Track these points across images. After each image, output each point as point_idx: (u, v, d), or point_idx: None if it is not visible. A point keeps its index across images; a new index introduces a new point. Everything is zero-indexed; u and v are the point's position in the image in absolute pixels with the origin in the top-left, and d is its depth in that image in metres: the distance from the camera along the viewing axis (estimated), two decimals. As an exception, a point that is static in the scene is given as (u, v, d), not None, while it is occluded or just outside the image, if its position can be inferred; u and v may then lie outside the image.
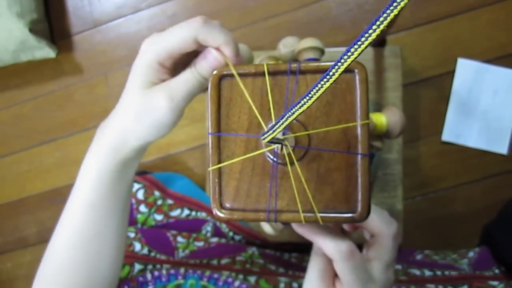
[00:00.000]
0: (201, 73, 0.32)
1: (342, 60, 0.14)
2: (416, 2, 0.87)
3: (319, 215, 0.31)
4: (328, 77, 0.15)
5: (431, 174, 0.87)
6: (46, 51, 0.95)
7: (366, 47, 0.14)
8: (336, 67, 0.15)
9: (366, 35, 0.13)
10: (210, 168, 0.32)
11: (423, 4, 0.87)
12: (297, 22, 0.91)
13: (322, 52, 0.48)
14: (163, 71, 0.32)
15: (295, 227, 0.32)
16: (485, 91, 0.84)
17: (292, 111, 0.18)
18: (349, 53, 0.14)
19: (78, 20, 1.00)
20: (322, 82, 0.16)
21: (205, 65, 0.32)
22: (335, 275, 0.33)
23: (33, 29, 0.92)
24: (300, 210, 0.32)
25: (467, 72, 0.85)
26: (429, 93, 0.87)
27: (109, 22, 0.99)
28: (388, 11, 0.13)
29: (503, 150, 0.84)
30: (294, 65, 0.32)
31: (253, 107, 0.32)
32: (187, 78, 0.32)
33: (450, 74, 0.86)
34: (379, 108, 0.76)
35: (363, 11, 0.89)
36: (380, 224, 0.33)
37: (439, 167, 0.87)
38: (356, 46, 0.14)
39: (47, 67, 1.00)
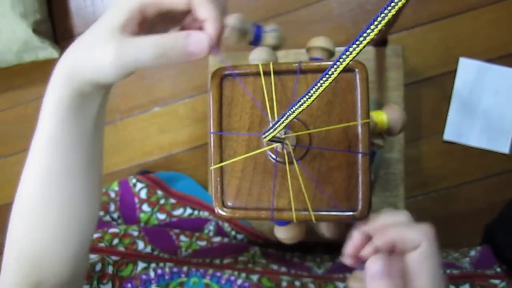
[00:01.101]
0: (171, 52, 0.29)
1: (341, 60, 0.15)
2: (418, 1, 0.87)
3: (312, 213, 0.31)
4: (327, 76, 0.15)
5: (432, 173, 0.88)
6: (49, 52, 0.95)
7: (363, 47, 0.14)
8: (335, 66, 0.15)
9: (364, 35, 0.13)
10: (212, 167, 0.33)
11: (424, 4, 0.87)
12: (299, 22, 0.91)
13: (331, 54, 0.48)
14: (141, 24, 0.30)
15: (374, 244, 0.30)
16: (487, 90, 0.84)
17: (292, 110, 0.18)
18: (347, 53, 0.14)
19: (81, 21, 1.01)
20: (321, 81, 0.16)
21: (182, 46, 0.29)
22: None
23: (37, 30, 0.92)
24: (310, 208, 0.32)
25: (469, 72, 0.85)
26: (430, 93, 0.87)
27: (112, 23, 0.99)
28: (386, 11, 0.13)
29: (505, 149, 0.84)
30: (295, 65, 0.33)
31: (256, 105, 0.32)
32: (145, 48, 0.29)
33: (452, 73, 0.86)
34: (380, 107, 0.76)
35: (365, 10, 0.89)
36: (412, 235, 0.29)
37: (441, 167, 0.87)
38: (354, 46, 0.14)
39: (50, 67, 0.99)
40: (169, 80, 0.97)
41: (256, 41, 0.40)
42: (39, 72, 1.01)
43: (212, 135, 0.32)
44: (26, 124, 1.03)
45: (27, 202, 0.37)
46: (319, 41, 0.47)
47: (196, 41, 0.28)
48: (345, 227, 0.49)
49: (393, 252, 0.30)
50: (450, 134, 0.86)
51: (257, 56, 0.45)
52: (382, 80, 0.77)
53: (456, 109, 0.85)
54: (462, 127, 0.85)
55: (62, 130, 0.34)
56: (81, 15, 1.01)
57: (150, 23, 0.31)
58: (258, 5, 0.93)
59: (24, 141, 1.02)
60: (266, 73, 0.33)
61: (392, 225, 0.30)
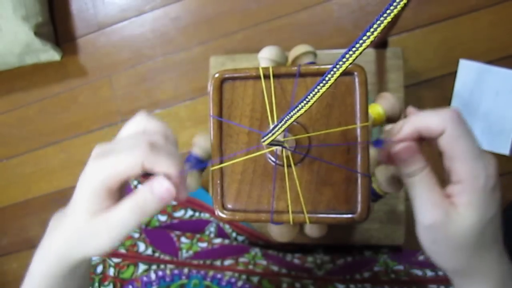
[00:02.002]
0: (146, 207, 0.30)
1: (338, 66, 0.15)
2: (418, 3, 0.87)
3: (312, 216, 0.32)
4: (324, 82, 0.16)
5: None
6: (51, 54, 0.96)
7: (360, 53, 0.14)
8: (332, 72, 0.15)
9: (361, 41, 0.14)
10: (212, 168, 0.33)
11: (424, 6, 0.87)
12: (300, 24, 0.92)
13: (315, 55, 0.48)
14: (109, 196, 0.31)
15: (399, 135, 0.31)
16: (487, 92, 0.85)
17: (290, 115, 0.19)
18: (344, 59, 0.14)
19: (82, 23, 1.01)
20: (318, 87, 0.16)
21: (152, 198, 0.30)
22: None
23: (38, 32, 0.93)
24: (305, 211, 0.32)
25: (469, 73, 0.85)
26: (431, 94, 0.87)
27: (113, 25, 1.00)
28: (382, 18, 0.13)
29: (505, 151, 0.84)
30: (294, 68, 0.33)
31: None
32: (126, 218, 0.30)
33: (452, 75, 0.86)
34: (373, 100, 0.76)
35: (365, 13, 0.89)
36: (435, 120, 0.29)
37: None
38: (351, 52, 0.14)
39: (52, 69, 1.01)
40: (170, 82, 0.97)
41: None
42: (41, 74, 1.02)
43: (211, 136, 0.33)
44: (27, 126, 1.03)
45: None
46: (302, 48, 0.47)
47: (161, 188, 0.30)
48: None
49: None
50: (450, 135, 0.86)
51: (267, 55, 0.46)
52: (383, 82, 0.77)
53: (457, 110, 0.85)
54: (462, 129, 0.85)
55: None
56: (83, 17, 1.01)
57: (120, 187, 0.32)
58: (259, 8, 0.93)
59: (25, 143, 1.03)
60: (266, 77, 0.33)
61: (415, 115, 0.31)
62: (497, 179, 0.30)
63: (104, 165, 0.30)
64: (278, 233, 0.47)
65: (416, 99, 0.87)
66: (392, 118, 0.47)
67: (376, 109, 0.46)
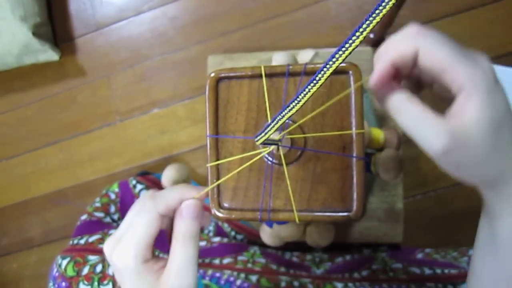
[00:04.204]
0: (191, 231, 0.31)
1: (328, 66, 0.15)
2: (416, 1, 0.87)
3: (297, 213, 0.32)
4: (314, 82, 0.16)
5: (431, 173, 0.88)
6: (49, 54, 0.96)
7: (350, 53, 0.14)
8: (322, 72, 0.15)
9: (350, 41, 0.14)
10: (208, 165, 0.33)
11: (422, 4, 0.87)
12: (297, 23, 0.92)
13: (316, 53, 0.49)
14: (150, 263, 0.31)
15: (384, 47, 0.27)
16: (485, 89, 0.85)
17: (282, 114, 0.19)
18: (333, 59, 0.15)
19: (80, 23, 1.01)
20: (309, 87, 0.16)
21: (188, 221, 0.31)
22: None
23: (37, 33, 0.93)
24: (295, 210, 0.32)
25: (467, 71, 0.85)
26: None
27: (111, 25, 1.00)
28: (371, 18, 0.14)
29: (504, 148, 0.84)
30: (290, 67, 0.33)
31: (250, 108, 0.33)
32: (186, 253, 0.30)
33: (450, 73, 0.86)
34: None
35: (363, 11, 0.89)
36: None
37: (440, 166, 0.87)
38: (340, 52, 0.14)
39: (50, 70, 1.01)
40: (169, 81, 0.97)
41: None
42: (40, 74, 1.02)
43: (208, 138, 0.33)
44: (26, 126, 1.03)
45: None
46: (310, 52, 0.48)
47: (188, 210, 0.31)
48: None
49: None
50: (448, 133, 0.86)
51: (280, 58, 0.46)
52: (380, 80, 0.77)
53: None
54: (460, 127, 0.85)
55: None
56: (81, 17, 1.01)
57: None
58: (257, 7, 0.93)
59: (25, 143, 1.03)
60: (262, 76, 0.33)
61: (382, 50, 0.27)
62: (494, 70, 0.26)
63: (125, 245, 0.30)
64: (286, 232, 0.47)
65: (414, 97, 0.87)
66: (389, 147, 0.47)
67: (378, 134, 0.46)
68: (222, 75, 0.33)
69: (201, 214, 0.32)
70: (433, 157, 0.27)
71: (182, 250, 0.30)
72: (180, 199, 0.31)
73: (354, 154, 0.32)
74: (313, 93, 0.16)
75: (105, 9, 1.00)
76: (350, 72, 0.31)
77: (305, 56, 0.50)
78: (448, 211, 0.88)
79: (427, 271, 0.60)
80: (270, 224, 0.42)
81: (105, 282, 0.57)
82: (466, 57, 0.26)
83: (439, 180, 0.88)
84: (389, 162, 0.41)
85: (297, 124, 0.32)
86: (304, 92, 0.17)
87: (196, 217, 0.31)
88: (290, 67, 0.33)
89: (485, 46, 0.86)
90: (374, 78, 0.26)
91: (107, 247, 0.31)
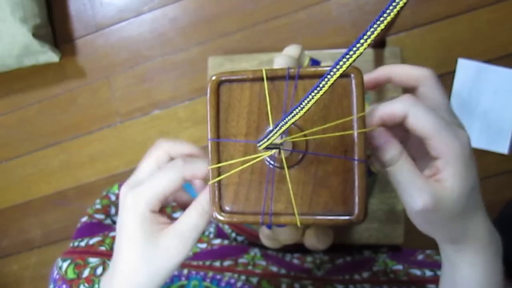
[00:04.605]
0: (209, 209, 0.32)
1: (331, 73, 0.15)
2: (416, 3, 0.87)
3: (298, 217, 0.32)
4: (318, 88, 0.16)
5: (432, 174, 0.88)
6: (49, 56, 0.96)
7: (354, 60, 0.14)
8: (326, 79, 0.15)
9: (354, 49, 0.14)
10: (210, 167, 0.33)
11: (423, 5, 0.87)
12: (298, 24, 0.92)
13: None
14: (157, 215, 0.32)
15: (372, 74, 0.33)
16: (486, 91, 0.85)
17: (285, 121, 0.19)
18: (338, 66, 0.14)
19: (80, 24, 1.01)
20: (312, 94, 0.16)
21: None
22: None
23: (37, 34, 0.93)
24: (296, 213, 0.32)
25: (468, 72, 0.85)
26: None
27: (112, 26, 1.00)
28: (375, 26, 0.14)
29: (504, 150, 0.84)
30: (291, 70, 0.33)
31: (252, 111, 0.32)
32: (196, 222, 0.32)
33: (451, 74, 0.86)
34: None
35: (363, 12, 0.89)
36: (409, 69, 0.32)
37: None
38: (344, 60, 0.14)
39: (50, 71, 1.01)
40: (169, 83, 0.97)
41: None
42: (40, 76, 1.02)
43: (209, 141, 0.33)
44: (27, 127, 1.03)
45: None
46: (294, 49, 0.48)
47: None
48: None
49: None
50: (449, 135, 0.86)
51: (281, 60, 0.46)
52: (381, 81, 0.77)
53: (455, 110, 0.85)
54: (461, 128, 0.85)
55: None
56: (81, 19, 1.01)
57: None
58: (257, 8, 0.93)
59: (25, 144, 1.03)
60: (263, 79, 0.33)
61: (378, 106, 0.31)
62: (471, 147, 0.31)
63: (144, 190, 0.32)
64: (285, 235, 0.47)
65: (414, 98, 0.87)
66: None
67: None
68: (223, 78, 0.33)
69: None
70: (410, 212, 0.31)
71: (195, 218, 0.32)
72: (206, 170, 0.32)
73: (356, 157, 0.32)
74: (316, 100, 0.16)
75: (105, 10, 1.00)
76: (352, 75, 0.31)
77: (293, 51, 0.50)
78: (449, 212, 0.88)
79: (428, 272, 0.60)
80: (269, 226, 0.42)
81: (106, 284, 0.57)
82: (448, 129, 0.29)
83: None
84: None
85: (302, 133, 0.32)
86: (308, 99, 0.17)
87: None
88: (291, 70, 0.33)
89: (485, 47, 0.86)
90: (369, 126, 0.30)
91: (125, 186, 0.33)
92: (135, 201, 0.32)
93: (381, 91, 0.77)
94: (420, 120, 0.29)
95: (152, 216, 0.32)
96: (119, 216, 0.33)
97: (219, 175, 0.33)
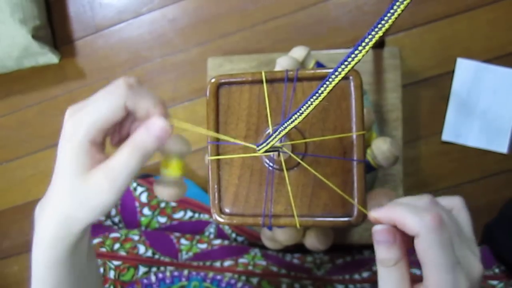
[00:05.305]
0: (146, 147, 0.29)
1: (330, 80, 0.15)
2: (415, 2, 0.87)
3: (297, 219, 0.32)
4: (317, 94, 0.16)
5: (431, 174, 0.88)
6: (49, 57, 0.96)
7: (353, 66, 0.14)
8: (325, 85, 0.15)
9: (352, 55, 0.14)
10: (209, 157, 0.33)
11: (421, 5, 0.87)
12: (296, 25, 0.92)
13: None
14: (95, 148, 0.30)
15: (373, 214, 0.29)
16: (485, 90, 0.85)
17: (284, 126, 0.19)
18: (336, 73, 0.15)
19: (80, 26, 1.01)
20: (312, 99, 0.16)
21: (150, 138, 0.29)
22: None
23: (36, 36, 0.93)
24: (296, 215, 0.32)
25: (467, 72, 0.85)
26: (428, 93, 0.87)
27: (111, 27, 1.00)
28: (373, 33, 0.14)
29: (503, 149, 0.84)
30: (290, 73, 0.33)
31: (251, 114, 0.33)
32: (127, 160, 0.29)
33: (450, 74, 0.86)
34: (378, 108, 0.76)
35: (362, 12, 0.89)
36: (410, 220, 0.27)
37: (440, 167, 0.88)
38: (343, 66, 0.14)
39: (50, 72, 1.01)
40: (169, 84, 0.97)
41: None
42: (39, 77, 1.02)
43: (209, 144, 0.33)
44: (26, 129, 1.03)
45: None
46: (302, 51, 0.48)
47: (156, 127, 0.30)
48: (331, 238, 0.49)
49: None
50: (448, 134, 0.86)
51: (284, 62, 0.46)
52: (380, 81, 0.77)
53: (454, 109, 0.86)
54: (460, 128, 0.85)
55: (59, 282, 0.33)
56: (80, 20, 1.01)
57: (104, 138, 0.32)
58: (256, 8, 0.93)
59: (25, 146, 1.03)
60: (262, 82, 0.33)
61: (399, 205, 0.28)
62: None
63: (83, 117, 0.29)
64: (285, 235, 0.47)
65: (413, 98, 0.87)
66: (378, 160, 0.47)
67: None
68: (223, 80, 0.33)
69: (164, 140, 0.30)
70: None
71: (127, 157, 0.29)
72: (151, 104, 0.30)
73: (355, 158, 0.32)
74: (315, 106, 0.16)
75: (104, 11, 1.00)
76: (351, 77, 0.31)
77: (298, 52, 0.50)
78: (448, 212, 0.88)
79: (428, 272, 0.60)
80: (270, 228, 0.42)
81: (106, 286, 0.57)
82: (450, 272, 0.27)
83: (439, 181, 0.88)
84: (383, 148, 0.41)
85: (302, 137, 0.32)
86: (307, 105, 0.17)
87: (158, 139, 0.29)
88: (290, 72, 0.33)
89: (484, 47, 0.86)
90: (377, 217, 0.29)
91: (69, 111, 0.31)
92: (73, 129, 0.30)
93: (381, 91, 0.77)
94: (429, 250, 0.27)
95: (89, 148, 0.30)
96: (60, 143, 0.31)
97: (219, 177, 0.33)
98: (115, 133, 0.34)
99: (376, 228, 0.29)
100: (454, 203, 0.33)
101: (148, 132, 0.29)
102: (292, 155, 0.31)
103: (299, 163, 0.33)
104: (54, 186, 0.31)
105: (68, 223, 0.31)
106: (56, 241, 0.31)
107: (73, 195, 0.30)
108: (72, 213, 0.30)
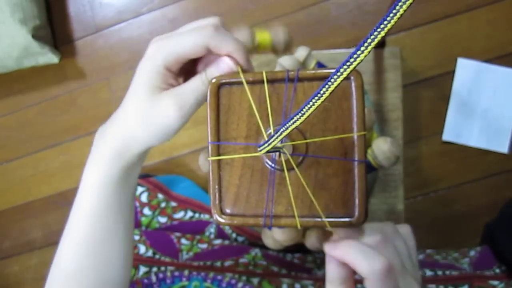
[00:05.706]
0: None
1: (332, 80, 0.15)
2: (416, 2, 0.87)
3: (298, 219, 0.32)
4: (319, 95, 0.16)
5: (432, 174, 0.88)
6: (49, 57, 0.96)
7: (355, 67, 0.14)
8: (326, 86, 0.15)
9: (352, 59, 0.14)
10: (210, 158, 0.33)
11: (422, 5, 0.87)
12: (297, 24, 0.92)
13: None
14: (170, 75, 0.32)
15: (328, 249, 0.30)
16: (485, 90, 0.85)
17: (285, 127, 0.19)
18: (338, 73, 0.15)
19: (80, 26, 1.01)
20: (313, 100, 0.16)
21: (217, 73, 0.32)
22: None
23: (36, 35, 0.93)
24: (297, 216, 0.32)
25: (467, 72, 0.85)
26: (429, 93, 0.87)
27: (111, 27, 1.00)
28: (376, 33, 0.14)
29: (504, 149, 0.84)
30: (291, 73, 0.33)
31: (256, 113, 0.33)
32: (196, 86, 0.32)
33: (450, 74, 0.86)
34: (378, 107, 0.76)
35: (363, 12, 0.89)
36: (360, 264, 0.28)
37: (440, 167, 0.88)
38: (345, 67, 0.14)
39: (50, 72, 1.01)
40: (169, 83, 0.97)
41: None
42: (39, 77, 1.02)
43: (210, 144, 0.33)
44: (27, 129, 1.03)
45: (65, 272, 0.37)
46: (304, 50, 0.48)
47: (226, 67, 0.32)
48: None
49: None
50: (449, 134, 0.86)
51: (285, 62, 0.46)
52: (381, 81, 0.77)
53: (455, 109, 0.86)
54: (461, 128, 0.85)
55: (106, 205, 0.35)
56: (80, 20, 1.01)
57: (180, 71, 0.34)
58: (256, 8, 0.93)
59: (25, 146, 1.03)
60: (263, 82, 0.33)
61: (352, 246, 0.29)
62: None
63: (165, 45, 0.31)
64: (285, 235, 0.47)
65: (414, 98, 0.87)
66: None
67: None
68: (223, 81, 0.33)
69: (229, 75, 0.32)
70: None
71: (196, 85, 0.32)
72: (232, 50, 0.31)
73: (356, 158, 0.32)
74: (317, 106, 0.16)
75: (105, 11, 1.00)
76: (352, 77, 0.31)
77: (299, 52, 0.50)
78: (449, 212, 0.88)
79: (428, 272, 0.60)
80: (270, 227, 0.42)
81: (107, 285, 0.57)
82: None
83: (440, 181, 0.88)
84: (384, 148, 0.41)
85: (302, 138, 0.32)
86: (308, 105, 0.17)
87: (224, 73, 0.32)
88: (290, 72, 0.33)
89: (485, 47, 0.86)
90: (331, 252, 0.30)
91: (155, 38, 0.32)
92: (154, 52, 0.31)
93: (381, 90, 0.77)
94: None
95: (164, 72, 0.32)
96: (139, 64, 0.32)
97: (219, 177, 0.33)
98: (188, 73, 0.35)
99: (327, 249, 0.31)
100: (403, 231, 0.34)
101: (218, 69, 0.32)
102: (289, 157, 0.31)
103: (300, 163, 0.33)
104: (123, 105, 0.33)
105: (130, 142, 0.32)
106: (114, 157, 0.33)
107: (140, 115, 0.32)
108: (135, 133, 0.32)
